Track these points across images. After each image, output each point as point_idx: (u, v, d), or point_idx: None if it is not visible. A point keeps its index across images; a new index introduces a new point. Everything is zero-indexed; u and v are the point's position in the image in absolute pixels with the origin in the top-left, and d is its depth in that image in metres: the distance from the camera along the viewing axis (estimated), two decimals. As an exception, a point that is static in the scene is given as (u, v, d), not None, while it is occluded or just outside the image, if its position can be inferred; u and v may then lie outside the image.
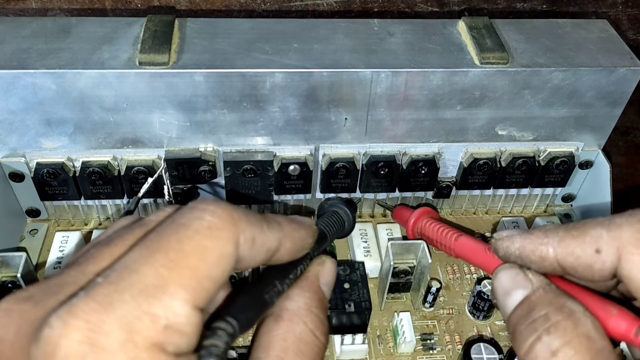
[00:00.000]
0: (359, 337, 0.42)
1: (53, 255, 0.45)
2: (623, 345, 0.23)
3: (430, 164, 0.46)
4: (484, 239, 0.50)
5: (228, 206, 0.20)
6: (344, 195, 0.49)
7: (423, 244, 0.42)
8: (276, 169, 0.45)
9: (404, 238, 0.49)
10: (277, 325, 0.24)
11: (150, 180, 0.43)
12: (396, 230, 0.49)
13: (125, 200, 0.47)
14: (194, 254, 0.19)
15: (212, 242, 0.19)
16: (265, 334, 0.24)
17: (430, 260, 0.41)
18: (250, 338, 0.44)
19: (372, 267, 0.46)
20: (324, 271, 0.27)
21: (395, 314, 0.44)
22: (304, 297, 0.25)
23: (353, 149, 0.46)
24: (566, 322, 0.21)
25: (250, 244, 0.21)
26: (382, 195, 0.49)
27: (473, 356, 0.41)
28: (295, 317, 0.24)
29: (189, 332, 0.18)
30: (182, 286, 0.18)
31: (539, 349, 0.21)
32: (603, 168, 0.48)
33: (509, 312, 0.23)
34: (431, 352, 0.43)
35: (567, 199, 0.53)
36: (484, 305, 0.44)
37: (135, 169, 0.44)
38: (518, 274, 0.24)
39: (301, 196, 0.49)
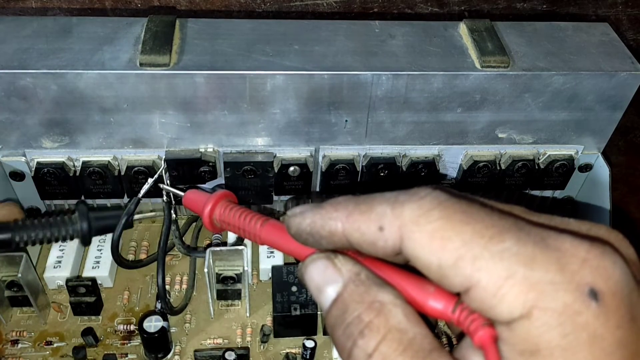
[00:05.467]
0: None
1: (53, 255, 0.45)
2: None
3: (430, 166, 0.46)
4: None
5: None
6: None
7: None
8: (276, 170, 0.45)
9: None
10: None
11: (150, 180, 0.43)
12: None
13: (125, 200, 0.47)
14: None
15: None
16: None
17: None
18: (248, 339, 0.44)
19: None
20: None
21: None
22: None
23: (353, 150, 0.46)
24: (378, 320, 0.21)
25: None
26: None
27: None
28: None
29: None
30: None
31: (356, 354, 0.21)
32: (602, 171, 0.48)
33: (324, 310, 0.23)
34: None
35: (567, 201, 0.53)
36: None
37: (136, 169, 0.44)
38: (327, 267, 0.23)
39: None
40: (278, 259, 0.46)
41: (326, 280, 0.23)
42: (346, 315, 0.22)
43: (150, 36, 0.42)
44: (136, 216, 0.42)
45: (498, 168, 0.47)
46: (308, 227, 0.23)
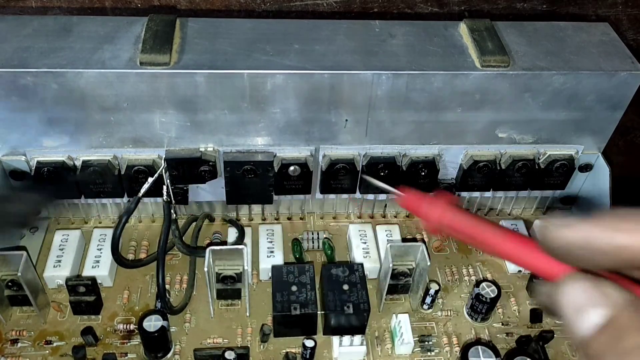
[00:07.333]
0: (357, 338, 0.42)
1: (53, 254, 0.45)
2: None
3: (430, 165, 0.46)
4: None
5: None
6: (344, 196, 0.49)
7: (422, 246, 0.42)
8: (276, 169, 0.45)
9: (404, 240, 0.49)
10: None
11: (150, 179, 0.43)
12: (395, 232, 0.49)
13: (125, 199, 0.47)
14: None
15: None
16: None
17: (429, 263, 0.41)
18: (248, 339, 0.44)
19: (371, 268, 0.46)
20: None
21: (394, 315, 0.44)
22: None
23: (353, 150, 0.46)
24: None
25: None
26: (382, 197, 0.50)
27: (471, 359, 0.41)
28: None
29: None
30: None
31: None
32: (603, 171, 0.48)
33: (584, 334, 0.20)
34: (429, 353, 0.43)
35: (567, 201, 0.53)
36: (482, 307, 0.44)
37: (136, 168, 0.44)
38: (594, 288, 0.20)
39: (301, 197, 0.49)
40: (278, 258, 0.46)
41: (592, 302, 0.20)
42: (623, 343, 0.19)
43: (151, 35, 0.42)
44: None
45: (498, 168, 0.47)
46: (582, 239, 0.20)
